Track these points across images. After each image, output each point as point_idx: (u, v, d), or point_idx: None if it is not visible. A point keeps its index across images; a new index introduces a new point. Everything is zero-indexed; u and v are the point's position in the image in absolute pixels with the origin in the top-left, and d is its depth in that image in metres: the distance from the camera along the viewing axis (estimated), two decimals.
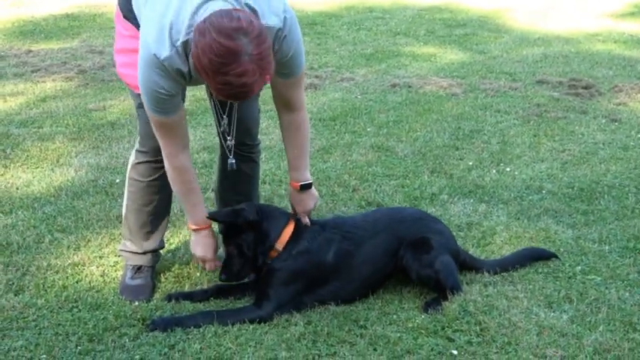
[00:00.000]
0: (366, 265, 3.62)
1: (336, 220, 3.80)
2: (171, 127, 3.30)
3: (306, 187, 3.65)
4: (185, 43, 3.02)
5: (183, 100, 3.46)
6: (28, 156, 5.54)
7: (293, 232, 3.57)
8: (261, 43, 2.84)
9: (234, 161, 3.64)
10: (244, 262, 3.55)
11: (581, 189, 5.05)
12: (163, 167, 3.60)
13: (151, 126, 3.50)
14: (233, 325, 3.38)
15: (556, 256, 4.03)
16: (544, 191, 5.02)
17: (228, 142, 3.62)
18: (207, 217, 3.53)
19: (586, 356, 3.16)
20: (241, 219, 3.48)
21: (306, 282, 3.54)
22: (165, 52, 3.04)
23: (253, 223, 3.50)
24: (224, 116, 3.56)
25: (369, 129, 6.32)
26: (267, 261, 3.55)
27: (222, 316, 3.42)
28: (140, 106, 3.56)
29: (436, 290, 3.63)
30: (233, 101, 3.42)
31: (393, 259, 3.67)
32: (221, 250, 3.70)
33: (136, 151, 3.72)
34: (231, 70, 2.79)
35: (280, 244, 3.54)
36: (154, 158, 3.65)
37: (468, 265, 3.86)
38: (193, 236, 3.58)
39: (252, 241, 3.52)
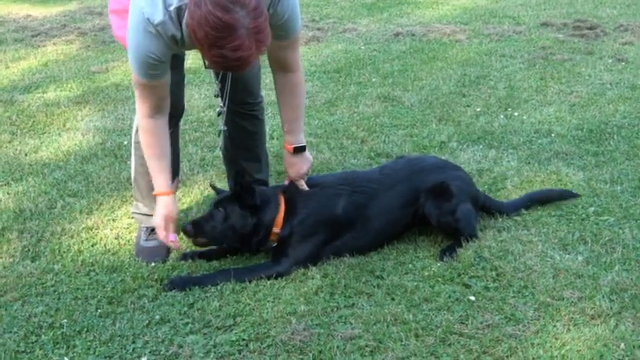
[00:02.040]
0: (382, 216, 3.62)
1: (346, 176, 3.76)
2: (152, 90, 3.25)
3: (300, 150, 3.60)
4: (178, 9, 2.96)
5: (182, 66, 3.47)
6: (34, 122, 5.53)
7: (286, 210, 3.55)
8: (258, 16, 2.78)
9: (224, 128, 3.67)
10: (224, 229, 3.50)
11: (590, 130, 5.03)
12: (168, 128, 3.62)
13: None
14: (251, 282, 3.39)
15: (575, 196, 4.06)
16: (553, 134, 5.00)
17: (219, 108, 3.60)
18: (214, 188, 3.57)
19: (603, 296, 3.17)
20: (252, 200, 3.47)
21: (322, 237, 3.55)
22: (158, 16, 2.97)
23: (255, 207, 3.49)
24: (217, 81, 3.54)
25: (374, 79, 6.29)
26: (270, 244, 3.56)
27: (239, 274, 3.43)
28: None
29: (453, 237, 3.65)
30: (227, 72, 3.40)
31: (412, 209, 3.67)
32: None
33: None
34: (227, 43, 2.74)
35: (277, 227, 3.53)
36: None
37: (487, 208, 3.86)
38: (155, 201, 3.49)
39: (251, 226, 3.50)
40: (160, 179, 3.43)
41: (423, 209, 3.65)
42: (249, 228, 3.51)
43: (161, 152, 3.41)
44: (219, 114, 3.64)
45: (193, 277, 3.46)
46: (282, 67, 3.46)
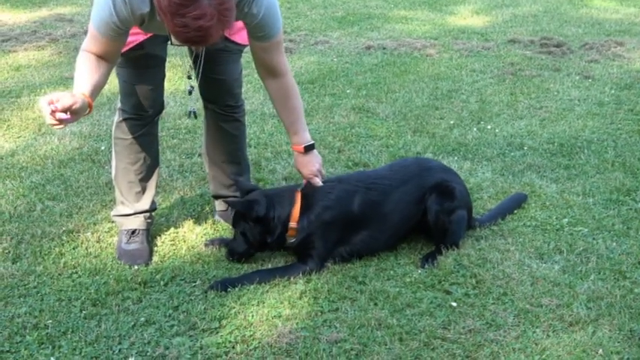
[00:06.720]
0: (396, 213, 3.71)
1: (358, 174, 3.93)
2: (103, 43, 3.18)
3: (310, 148, 3.67)
4: None
5: (163, 65, 3.50)
6: (9, 125, 5.50)
7: (302, 204, 3.62)
8: None
9: (194, 109, 3.79)
10: (249, 246, 3.65)
11: (561, 144, 5.15)
12: (146, 124, 3.71)
13: (130, 84, 3.58)
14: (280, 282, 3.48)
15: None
16: (525, 147, 5.11)
17: (190, 87, 3.64)
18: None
19: (580, 304, 3.26)
20: (253, 213, 3.57)
21: (339, 232, 3.62)
22: None
23: (262, 217, 3.58)
24: (191, 62, 3.60)
25: (348, 91, 6.36)
26: (290, 240, 3.63)
27: (269, 275, 3.51)
28: (119, 65, 3.56)
29: (435, 241, 3.73)
30: (192, 46, 3.41)
31: (421, 206, 3.74)
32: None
33: (118, 109, 3.75)
34: (189, 12, 2.73)
35: (294, 222, 3.60)
36: (135, 114, 3.69)
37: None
38: None
39: (258, 233, 3.61)
40: (81, 85, 3.16)
41: (426, 203, 3.74)
42: (258, 236, 3.61)
43: (90, 76, 3.19)
44: (189, 93, 3.67)
45: (233, 278, 3.50)
46: (270, 72, 3.51)
